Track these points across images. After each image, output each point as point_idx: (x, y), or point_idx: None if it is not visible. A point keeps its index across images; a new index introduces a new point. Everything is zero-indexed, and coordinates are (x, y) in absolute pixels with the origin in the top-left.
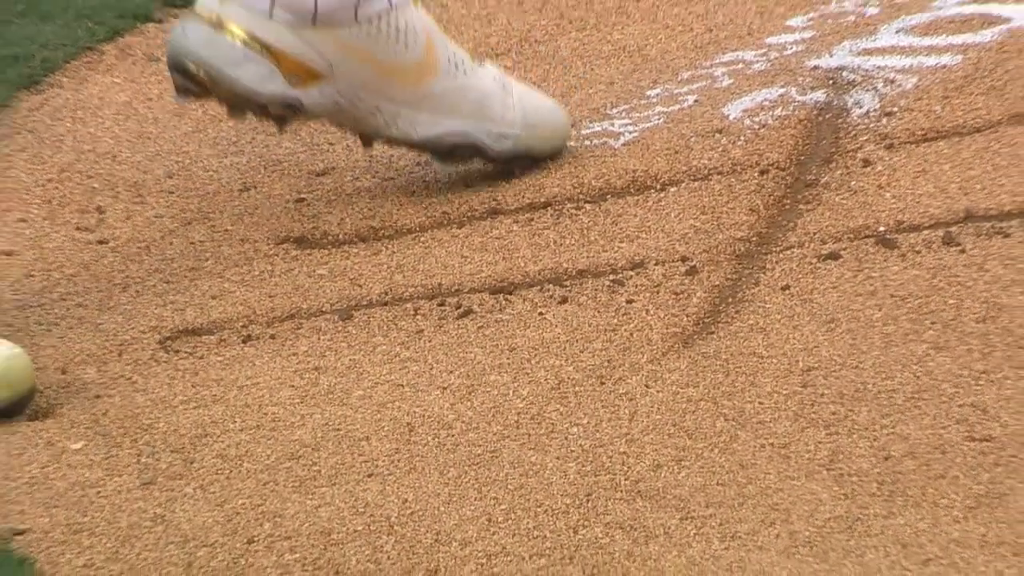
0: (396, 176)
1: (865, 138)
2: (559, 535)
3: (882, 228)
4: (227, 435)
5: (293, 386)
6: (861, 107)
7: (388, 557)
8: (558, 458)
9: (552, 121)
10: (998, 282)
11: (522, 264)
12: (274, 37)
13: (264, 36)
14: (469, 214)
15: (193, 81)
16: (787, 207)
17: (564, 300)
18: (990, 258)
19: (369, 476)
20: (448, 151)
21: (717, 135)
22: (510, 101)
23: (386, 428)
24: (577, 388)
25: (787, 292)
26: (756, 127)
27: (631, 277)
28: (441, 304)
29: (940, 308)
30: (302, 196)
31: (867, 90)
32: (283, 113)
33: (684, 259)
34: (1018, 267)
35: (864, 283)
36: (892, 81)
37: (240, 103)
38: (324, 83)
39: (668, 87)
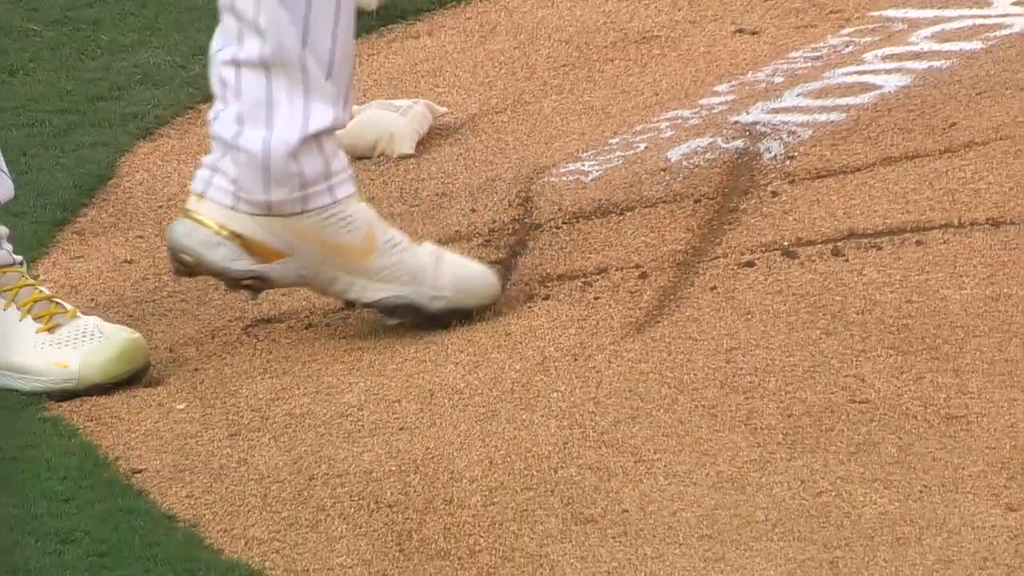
0: (419, 204)
1: (773, 175)
2: (543, 474)
3: (786, 243)
4: (294, 398)
5: (343, 361)
6: (770, 152)
7: (415, 490)
8: (543, 416)
9: (481, 284)
10: (873, 284)
11: (515, 269)
12: (239, 226)
13: (230, 225)
14: (475, 232)
15: (182, 264)
16: (715, 227)
17: (547, 297)
18: (867, 266)
19: (400, 429)
20: (392, 310)
21: (662, 173)
22: (442, 269)
23: (413, 393)
24: (557, 363)
25: (714, 291)
26: (691, 167)
27: (597, 280)
28: None
29: (829, 303)
30: None
31: (775, 139)
32: (254, 284)
33: (637, 267)
34: (888, 272)
35: (772, 284)
36: (793, 133)
37: (219, 277)
38: (287, 259)
39: (625, 137)
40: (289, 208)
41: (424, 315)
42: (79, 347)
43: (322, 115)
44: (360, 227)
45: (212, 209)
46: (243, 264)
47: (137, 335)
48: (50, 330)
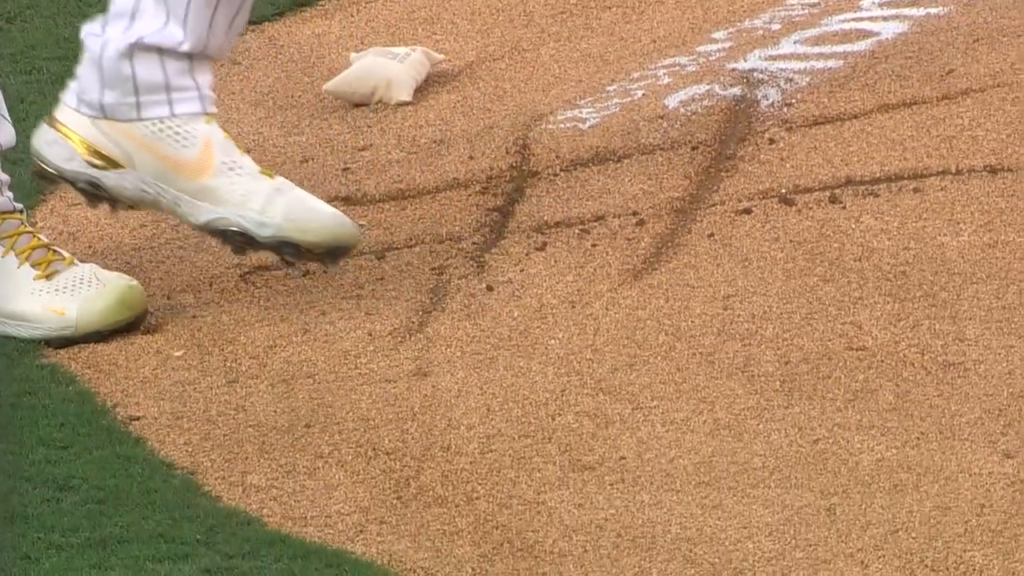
0: (417, 151)
1: (771, 123)
2: (541, 421)
3: (784, 190)
4: (291, 346)
5: (341, 309)
6: (768, 99)
7: (412, 437)
8: (540, 363)
9: (320, 221)
10: (870, 231)
11: (512, 217)
12: (76, 125)
13: (69, 124)
14: (473, 179)
15: (35, 164)
16: (712, 175)
17: (544, 244)
18: (864, 213)
19: (398, 377)
20: (223, 235)
21: (660, 120)
22: (278, 200)
23: (411, 341)
24: (554, 310)
25: (712, 238)
26: (689, 114)
27: (595, 227)
28: (451, 247)
29: (827, 250)
30: (348, 166)
31: (772, 87)
32: (89, 190)
33: (635, 214)
34: (885, 219)
35: (770, 232)
36: (791, 80)
37: (63, 180)
38: (126, 171)
39: (622, 84)
40: (123, 113)
41: (255, 244)
42: (76, 294)
43: (167, 33)
44: (196, 144)
45: (62, 108)
46: (76, 165)
47: (134, 282)
48: (47, 277)
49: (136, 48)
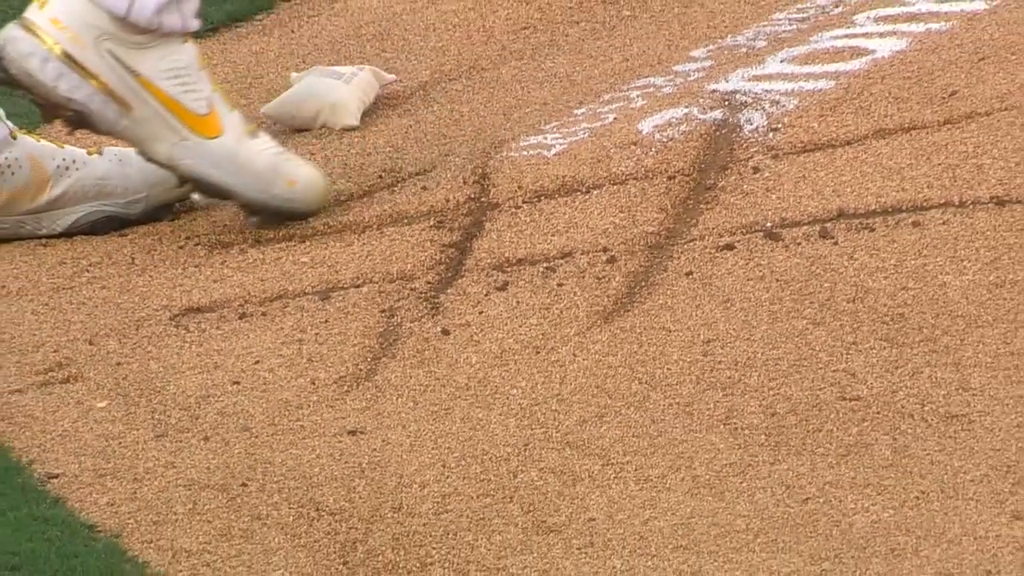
0: (366, 181)
1: (755, 149)
2: (501, 478)
3: (769, 224)
4: (226, 396)
5: (281, 355)
6: (751, 124)
7: (360, 496)
8: (501, 415)
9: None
10: (865, 269)
11: (470, 254)
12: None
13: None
14: (425, 213)
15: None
16: (690, 207)
17: (506, 284)
18: (858, 249)
19: (344, 431)
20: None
21: (632, 147)
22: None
23: (358, 390)
24: (516, 356)
25: (690, 277)
26: (665, 140)
27: (561, 265)
28: (403, 287)
29: (817, 290)
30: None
31: (756, 110)
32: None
33: (605, 250)
34: (881, 256)
35: (754, 269)
36: (777, 102)
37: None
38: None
39: (592, 107)
40: None
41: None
42: None
43: None
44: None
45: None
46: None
47: None
48: None
49: None
